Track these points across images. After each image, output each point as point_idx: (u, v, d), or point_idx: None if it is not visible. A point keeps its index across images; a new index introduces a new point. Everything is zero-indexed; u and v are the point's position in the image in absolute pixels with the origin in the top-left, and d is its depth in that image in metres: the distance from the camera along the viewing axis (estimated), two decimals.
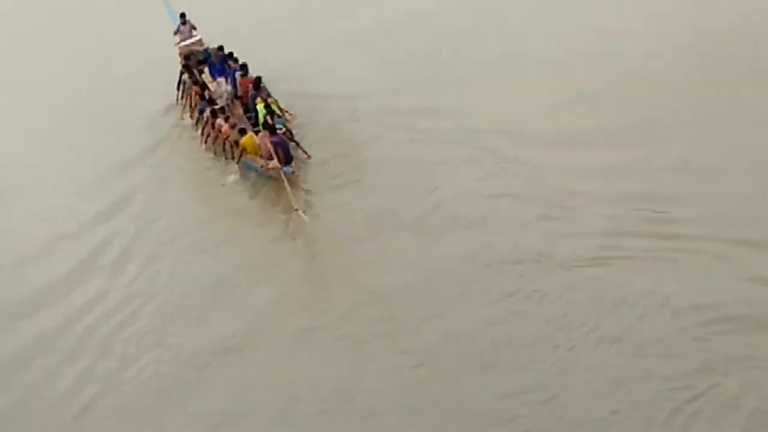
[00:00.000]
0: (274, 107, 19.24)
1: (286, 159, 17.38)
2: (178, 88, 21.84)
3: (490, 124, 18.00)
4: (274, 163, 17.29)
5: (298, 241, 16.34)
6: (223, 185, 18.22)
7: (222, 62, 21.33)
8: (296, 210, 16.48)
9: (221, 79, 20.89)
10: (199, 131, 19.99)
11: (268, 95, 19.68)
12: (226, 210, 17.51)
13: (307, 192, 17.16)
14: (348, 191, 17.07)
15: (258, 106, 19.14)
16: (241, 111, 20.06)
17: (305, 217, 16.30)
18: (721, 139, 16.24)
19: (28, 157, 20.66)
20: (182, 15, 22.70)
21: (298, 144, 18.44)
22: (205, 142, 19.57)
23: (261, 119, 18.84)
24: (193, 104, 20.91)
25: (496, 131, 17.69)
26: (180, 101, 21.67)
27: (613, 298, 12.99)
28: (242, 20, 25.39)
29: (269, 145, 17.43)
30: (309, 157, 18.22)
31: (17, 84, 24.81)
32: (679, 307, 12.58)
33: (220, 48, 21.64)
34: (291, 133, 18.66)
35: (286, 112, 19.60)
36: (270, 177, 17.64)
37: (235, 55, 21.19)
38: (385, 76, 21.09)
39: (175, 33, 22.78)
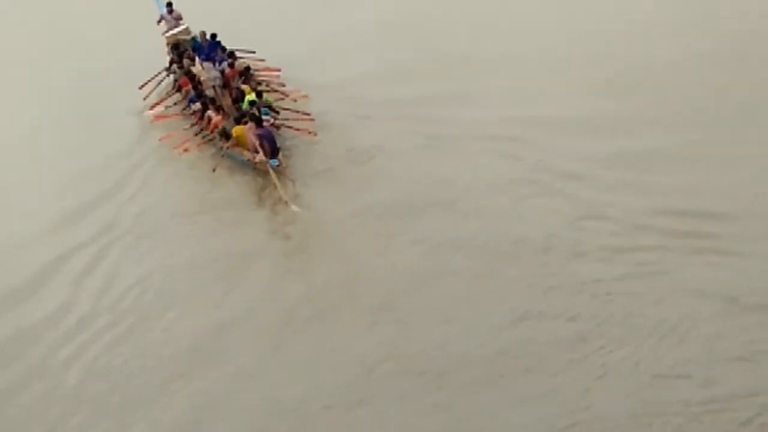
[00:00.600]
0: (266, 98, 17.85)
1: (272, 151, 16.00)
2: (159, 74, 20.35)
3: (506, 115, 16.72)
4: (260, 156, 15.93)
5: (293, 242, 14.79)
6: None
7: (211, 48, 19.93)
8: (286, 203, 15.05)
9: (208, 64, 19.34)
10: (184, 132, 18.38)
11: (259, 84, 18.55)
12: (211, 208, 15.92)
13: (295, 183, 15.70)
14: (354, 187, 15.55)
15: (247, 97, 17.64)
16: (230, 101, 18.48)
17: (296, 209, 14.91)
18: (738, 135, 15.03)
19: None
20: (169, 4, 21.39)
21: (294, 128, 17.26)
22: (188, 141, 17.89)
23: (246, 107, 17.35)
24: (182, 95, 19.33)
25: (512, 121, 16.45)
26: (150, 88, 20.04)
27: (652, 309, 11.58)
28: (242, 13, 23.80)
29: (254, 138, 16.04)
30: (313, 134, 17.02)
31: None
32: (725, 312, 11.27)
33: (213, 35, 20.16)
34: (277, 124, 17.28)
35: (299, 93, 18.68)
36: (257, 170, 16.19)
37: (222, 44, 19.99)
38: (395, 68, 19.64)
39: (159, 21, 21.41)
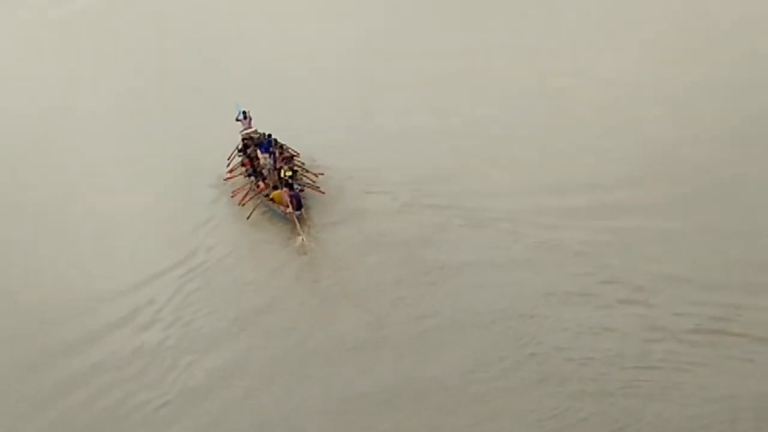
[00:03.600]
0: (299, 173, 27.33)
1: (298, 206, 25.43)
2: (229, 158, 30.05)
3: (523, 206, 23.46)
4: (290, 209, 25.33)
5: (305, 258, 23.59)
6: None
7: (267, 143, 29.50)
8: (300, 237, 24.26)
9: (266, 154, 29.00)
10: (244, 192, 27.87)
11: (302, 164, 28.32)
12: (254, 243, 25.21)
13: (312, 227, 24.84)
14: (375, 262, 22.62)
15: (284, 173, 27.14)
16: (276, 177, 27.85)
17: (307, 242, 23.92)
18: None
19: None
20: (244, 112, 31.12)
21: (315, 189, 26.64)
22: (246, 198, 27.44)
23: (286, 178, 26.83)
24: (245, 172, 28.86)
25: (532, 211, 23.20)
26: (228, 169, 29.66)
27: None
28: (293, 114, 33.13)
29: (287, 197, 25.40)
30: (323, 192, 26.45)
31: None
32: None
33: (268, 135, 29.77)
34: (302, 189, 26.67)
35: (312, 172, 27.91)
36: (287, 219, 25.46)
37: (279, 141, 29.57)
38: (424, 162, 27.56)
39: (243, 127, 31.10)
